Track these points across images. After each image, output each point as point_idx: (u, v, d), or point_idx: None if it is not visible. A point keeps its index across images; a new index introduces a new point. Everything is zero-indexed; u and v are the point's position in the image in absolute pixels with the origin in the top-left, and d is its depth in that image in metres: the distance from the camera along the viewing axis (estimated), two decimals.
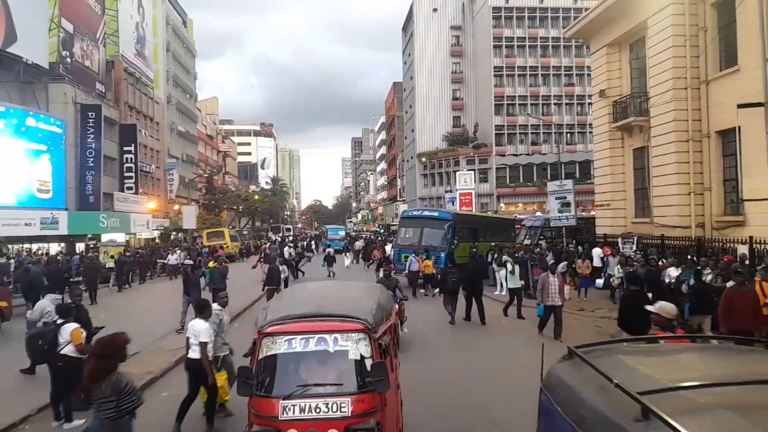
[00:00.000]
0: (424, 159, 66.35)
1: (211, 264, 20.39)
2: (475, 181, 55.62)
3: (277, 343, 5.00)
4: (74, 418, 7.20)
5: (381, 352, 5.17)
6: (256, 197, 78.35)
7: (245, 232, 61.20)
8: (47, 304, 9.44)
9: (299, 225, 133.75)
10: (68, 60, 38.04)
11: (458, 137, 65.94)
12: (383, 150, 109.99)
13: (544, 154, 60.37)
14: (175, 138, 61.85)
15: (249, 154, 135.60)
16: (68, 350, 7.16)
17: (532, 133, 62.45)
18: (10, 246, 29.47)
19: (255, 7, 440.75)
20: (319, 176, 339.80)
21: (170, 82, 61.08)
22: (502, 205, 61.53)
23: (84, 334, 7.54)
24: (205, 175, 68.51)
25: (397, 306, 10.33)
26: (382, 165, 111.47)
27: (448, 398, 8.72)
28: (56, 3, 36.91)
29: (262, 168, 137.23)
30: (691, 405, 2.46)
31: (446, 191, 58.33)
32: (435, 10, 66.95)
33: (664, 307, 5.84)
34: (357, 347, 4.97)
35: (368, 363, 4.94)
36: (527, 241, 28.97)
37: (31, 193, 32.40)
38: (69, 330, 7.26)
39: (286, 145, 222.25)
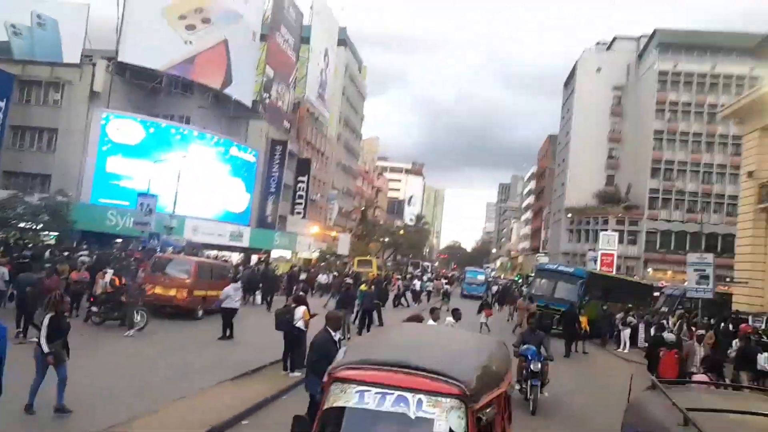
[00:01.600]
0: (570, 214, 66.54)
1: (363, 287, 24.29)
2: (621, 243, 55.00)
3: (346, 392, 4.02)
4: (296, 371, 10.80)
5: (480, 429, 3.97)
6: (401, 232, 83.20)
7: (389, 264, 65.71)
8: (231, 291, 15.31)
9: (436, 264, 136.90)
10: (266, 100, 45.34)
11: (609, 196, 65.33)
12: (530, 200, 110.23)
13: (699, 223, 57.93)
14: (339, 171, 68.69)
15: (398, 190, 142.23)
16: (300, 324, 10.95)
17: (689, 200, 60.19)
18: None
19: (423, 47, 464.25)
20: (461, 217, 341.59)
21: (341, 122, 68.32)
22: (650, 270, 59.66)
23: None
24: (361, 208, 74.66)
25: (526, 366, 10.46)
26: (528, 214, 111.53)
27: None
28: (264, 52, 44.46)
29: (408, 205, 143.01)
30: (723, 423, 3.61)
31: (589, 249, 58.15)
32: (599, 69, 67.72)
33: None
34: (446, 418, 3.80)
35: None
36: (664, 309, 29.29)
37: (225, 210, 39.11)
38: (300, 311, 11.07)
39: (433, 183, 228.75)
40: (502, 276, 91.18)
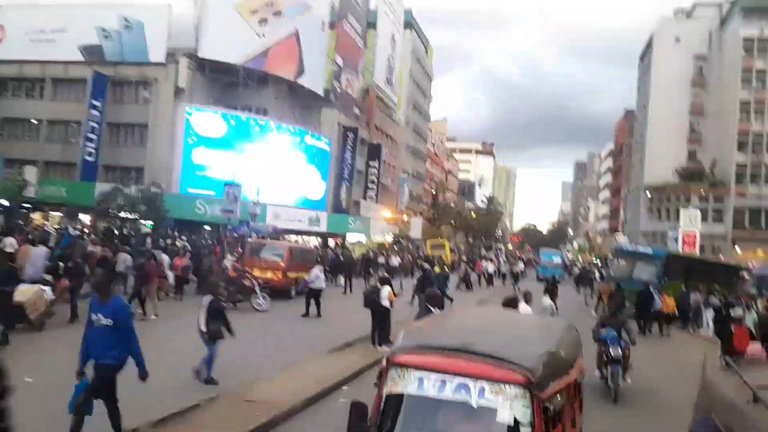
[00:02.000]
0: (650, 193, 64.08)
1: (436, 269, 24.98)
2: (706, 221, 52.46)
3: (405, 378, 3.86)
4: (383, 345, 11.63)
5: (547, 419, 3.75)
6: (474, 215, 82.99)
7: (461, 246, 65.93)
8: (318, 272, 16.82)
9: (509, 246, 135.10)
10: (337, 89, 46.44)
11: (692, 172, 62.33)
12: (608, 178, 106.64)
13: None
14: (408, 155, 69.26)
15: (468, 171, 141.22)
16: (385, 303, 11.84)
17: None
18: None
19: (487, 22, 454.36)
20: (535, 198, 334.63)
21: (410, 105, 68.71)
22: (737, 248, 56.76)
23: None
24: (432, 192, 75.06)
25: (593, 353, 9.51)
26: (606, 193, 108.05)
27: None
28: (334, 41, 45.50)
29: (479, 186, 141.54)
30: None
31: (670, 229, 55.95)
32: (677, 39, 64.36)
33: None
34: (511, 407, 3.63)
35: None
36: (754, 291, 28.12)
37: (303, 197, 40.67)
38: (386, 290, 11.97)
39: (504, 163, 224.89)
40: (580, 258, 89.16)
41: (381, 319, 12.12)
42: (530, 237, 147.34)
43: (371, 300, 12.21)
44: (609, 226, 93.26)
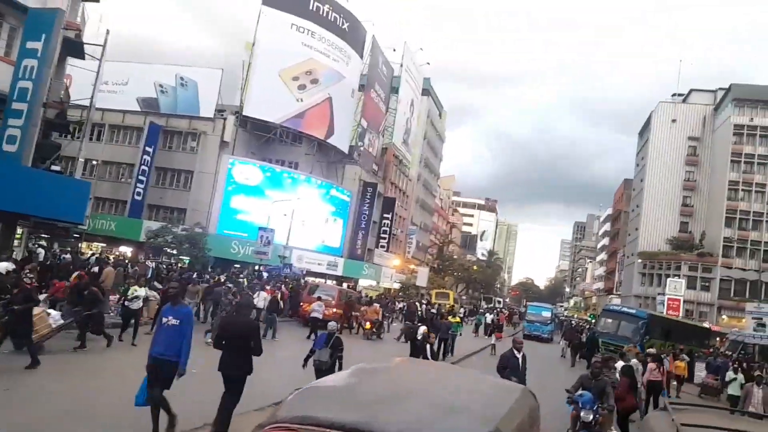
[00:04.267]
0: (642, 259, 68.01)
1: (452, 319, 28.62)
2: (694, 289, 56.19)
3: None
4: None
5: None
6: (475, 268, 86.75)
7: (464, 297, 69.45)
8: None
9: (507, 299, 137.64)
10: (360, 147, 51.12)
11: (683, 242, 66.48)
12: (605, 241, 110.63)
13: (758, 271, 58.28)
14: (418, 208, 73.62)
15: (470, 225, 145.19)
16: (420, 337, 15.72)
17: (765, 250, 60.59)
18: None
19: (499, 82, 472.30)
20: (535, 253, 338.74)
21: (422, 163, 73.48)
22: (724, 317, 60.21)
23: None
24: (438, 244, 79.07)
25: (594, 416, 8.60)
26: (602, 255, 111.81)
27: None
28: (361, 106, 50.44)
29: (481, 240, 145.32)
30: None
31: (659, 293, 59.67)
32: (674, 120, 69.68)
33: None
34: None
35: None
36: (728, 352, 31.75)
37: (323, 243, 44.70)
38: (422, 329, 15.87)
39: (506, 218, 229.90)
40: (575, 316, 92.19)
41: (417, 351, 15.84)
42: (527, 291, 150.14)
43: (410, 335, 16.04)
44: (604, 286, 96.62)
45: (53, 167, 18.85)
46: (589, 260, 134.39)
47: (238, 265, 37.80)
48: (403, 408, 3.25)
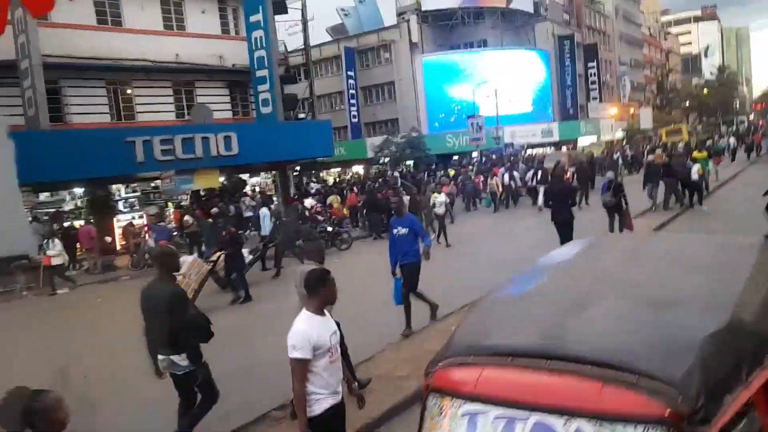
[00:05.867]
0: None
1: (696, 154, 26.41)
2: None
3: (448, 414, 2.32)
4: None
5: None
6: (705, 91, 77.11)
7: (699, 128, 63.08)
8: None
9: (751, 116, 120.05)
10: (546, 1, 47.98)
11: None
12: None
13: None
14: (623, 45, 67.09)
15: (689, 43, 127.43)
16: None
17: None
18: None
19: None
20: None
21: None
22: None
23: None
24: (655, 78, 71.93)
25: None
26: None
27: None
28: None
29: (705, 57, 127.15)
30: None
31: None
32: None
33: None
34: None
35: None
36: None
37: (532, 112, 44.16)
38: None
39: (731, 23, 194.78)
40: None
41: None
42: None
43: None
44: None
45: (300, 115, 22.05)
46: None
47: (455, 157, 39.57)
48: (601, 313, 2.48)
